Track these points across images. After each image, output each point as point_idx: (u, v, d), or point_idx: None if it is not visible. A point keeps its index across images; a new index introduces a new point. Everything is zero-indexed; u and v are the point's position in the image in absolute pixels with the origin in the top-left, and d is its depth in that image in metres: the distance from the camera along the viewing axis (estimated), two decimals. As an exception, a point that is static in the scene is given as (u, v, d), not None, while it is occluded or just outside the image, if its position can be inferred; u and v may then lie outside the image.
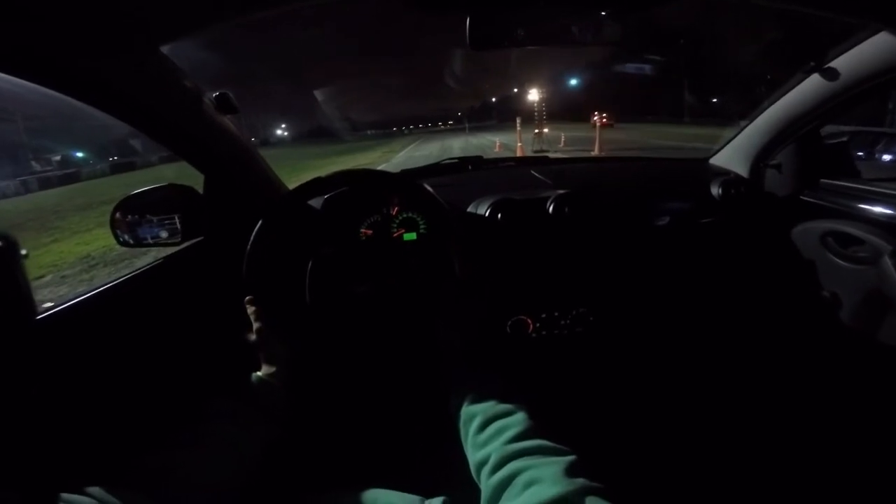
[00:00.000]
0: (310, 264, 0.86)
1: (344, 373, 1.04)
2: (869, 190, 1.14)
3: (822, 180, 1.24)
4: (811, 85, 1.08)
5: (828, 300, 1.19)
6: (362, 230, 1.02)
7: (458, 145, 23.37)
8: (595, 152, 11.72)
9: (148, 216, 0.96)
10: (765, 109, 1.22)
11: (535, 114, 19.59)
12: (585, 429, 0.73)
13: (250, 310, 0.74)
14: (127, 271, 0.89)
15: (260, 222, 0.85)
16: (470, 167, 1.42)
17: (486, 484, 0.50)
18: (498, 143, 19.52)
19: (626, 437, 1.13)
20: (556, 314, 1.11)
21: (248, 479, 0.58)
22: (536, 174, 1.33)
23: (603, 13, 0.84)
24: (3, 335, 0.58)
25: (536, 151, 13.43)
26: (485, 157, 1.51)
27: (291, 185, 1.20)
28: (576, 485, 0.44)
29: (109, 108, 0.73)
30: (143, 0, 0.57)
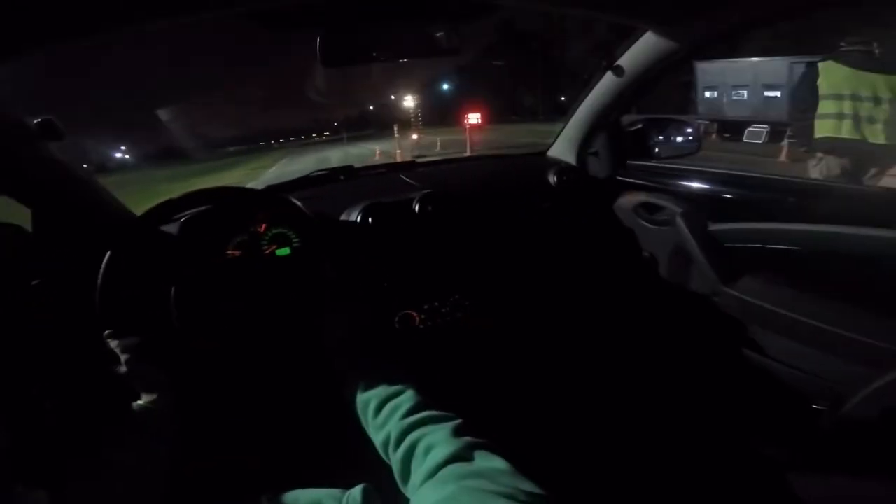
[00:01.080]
0: (173, 290, 0.83)
1: (234, 388, 1.01)
2: (662, 167, 1.45)
3: (628, 162, 1.52)
4: (607, 81, 1.30)
5: (647, 259, 1.45)
6: (229, 251, 0.98)
7: (336, 157, 22.52)
8: (467, 152, 12.42)
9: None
10: (580, 104, 1.45)
11: (412, 120, 20.05)
12: (470, 399, 0.81)
13: (113, 343, 0.70)
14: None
15: (108, 254, 0.79)
16: (342, 177, 1.44)
17: (394, 459, 0.56)
18: (378, 152, 19.40)
19: (504, 402, 1.25)
20: (437, 304, 1.18)
21: (158, 501, 0.58)
22: (405, 178, 1.40)
23: (442, 25, 0.95)
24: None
25: (416, 157, 13.70)
26: (356, 166, 1.55)
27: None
28: (464, 442, 0.51)
29: None
30: None
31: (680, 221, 1.27)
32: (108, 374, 0.69)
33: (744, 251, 1.18)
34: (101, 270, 0.77)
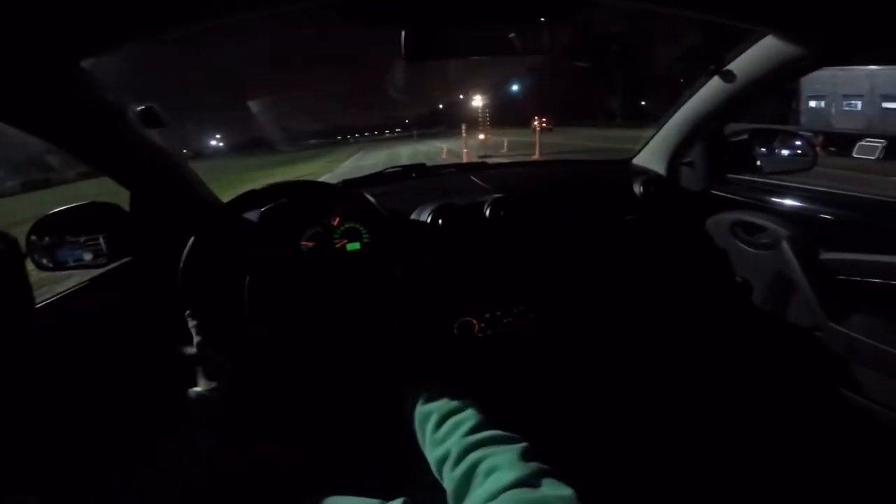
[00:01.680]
0: (247, 278, 0.85)
1: (291, 382, 1.02)
2: (768, 182, 1.28)
3: (728, 175, 1.37)
4: (712, 87, 1.18)
5: (740, 285, 1.30)
6: (303, 242, 1.01)
7: (405, 153, 23.34)
8: (535, 155, 12.18)
9: (69, 237, 0.89)
10: (676, 111, 1.33)
11: (480, 120, 20.04)
12: (532, 418, 0.76)
13: (191, 324, 0.73)
14: (47, 295, 0.83)
15: (192, 238, 0.82)
16: (413, 175, 1.44)
17: (450, 478, 0.53)
18: (445, 150, 19.72)
19: (569, 424, 1.18)
20: (499, 313, 1.14)
21: (198, 494, 0.58)
22: (476, 179, 1.37)
23: (534, 23, 0.90)
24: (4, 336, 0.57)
25: (481, 157, 13.75)
26: (428, 164, 1.54)
27: (227, 200, 1.17)
28: (531, 468, 0.47)
29: (25, 126, 0.68)
30: (63, 14, 0.54)
31: (786, 246, 1.13)
32: (177, 356, 0.71)
33: (855, 284, 1.04)
34: (185, 253, 0.80)
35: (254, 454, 0.91)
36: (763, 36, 0.97)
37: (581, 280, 1.26)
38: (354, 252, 1.03)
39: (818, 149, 1.37)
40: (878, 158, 8.30)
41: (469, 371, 0.86)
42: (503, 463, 0.49)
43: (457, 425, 0.57)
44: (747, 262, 1.28)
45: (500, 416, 0.59)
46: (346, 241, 1.03)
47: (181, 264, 0.79)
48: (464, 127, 16.18)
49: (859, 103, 9.04)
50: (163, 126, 0.93)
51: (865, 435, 1.02)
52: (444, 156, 17.78)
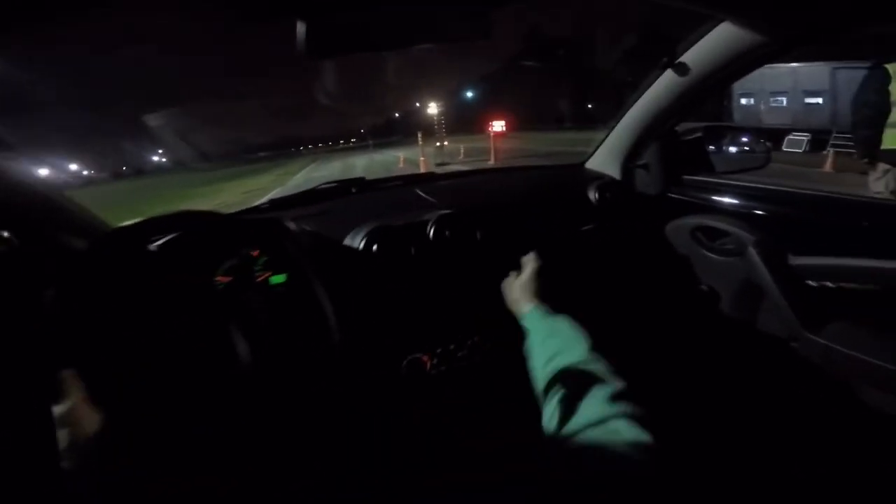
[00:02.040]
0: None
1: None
2: (725, 183, 1.22)
3: (684, 177, 1.30)
4: (665, 81, 1.11)
5: (706, 294, 1.23)
6: (218, 277, 0.84)
7: (361, 163, 23.03)
8: (492, 161, 12.28)
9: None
10: (627, 110, 1.25)
11: (436, 127, 20.11)
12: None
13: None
14: None
15: (55, 288, 0.66)
16: (354, 190, 1.29)
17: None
18: (402, 159, 19.66)
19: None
20: (453, 346, 1.02)
21: None
22: (422, 193, 1.24)
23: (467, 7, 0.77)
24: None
25: (439, 164, 13.75)
26: (368, 178, 1.39)
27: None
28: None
29: None
30: None
31: (753, 252, 1.07)
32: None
33: (827, 290, 1.00)
34: (52, 304, 0.65)
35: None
36: (718, 23, 0.90)
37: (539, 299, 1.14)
38: (279, 285, 0.87)
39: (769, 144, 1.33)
40: (804, 151, 8.89)
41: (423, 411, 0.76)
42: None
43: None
44: (712, 270, 1.21)
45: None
46: (269, 273, 0.87)
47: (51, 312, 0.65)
48: (420, 135, 16.16)
49: (784, 99, 9.52)
50: (9, 149, 0.78)
51: (851, 446, 0.99)
52: (400, 165, 17.71)
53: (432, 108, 21.69)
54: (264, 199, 1.21)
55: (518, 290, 0.91)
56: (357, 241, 0.99)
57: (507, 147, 16.04)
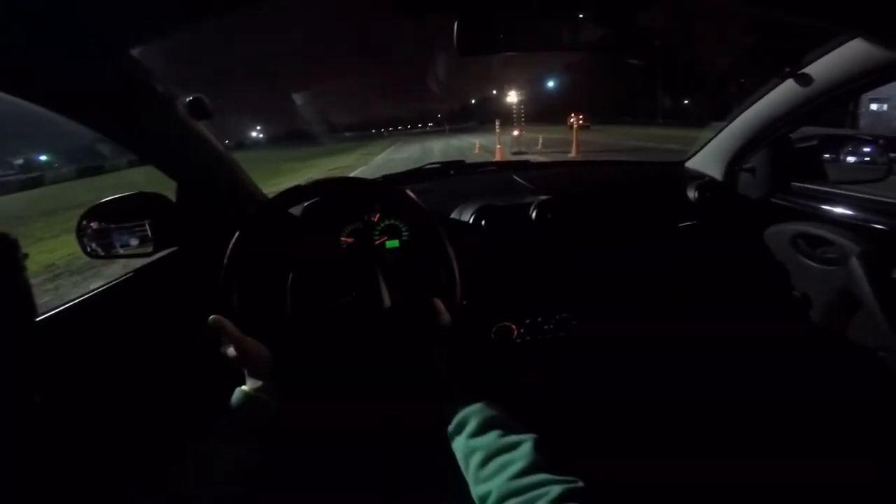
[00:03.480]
0: (290, 276, 0.84)
1: (329, 384, 1.02)
2: (836, 193, 1.19)
3: (792, 183, 1.27)
4: (785, 90, 1.09)
5: (798, 301, 1.22)
6: (343, 238, 1.00)
7: (438, 147, 23.41)
8: (572, 154, 11.90)
9: (116, 225, 0.91)
10: (740, 114, 1.24)
11: (514, 116, 19.80)
12: (587, 450, 0.71)
13: (226, 324, 0.70)
14: (96, 282, 0.85)
15: (237, 233, 0.82)
16: (452, 172, 1.41)
17: None
18: (478, 145, 19.65)
19: (607, 442, 1.12)
20: (540, 320, 1.10)
21: (238, 493, 0.57)
22: (518, 179, 1.33)
23: (583, 17, 0.84)
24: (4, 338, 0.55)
25: (515, 153, 13.56)
26: (467, 161, 1.51)
27: (268, 189, 1.17)
28: None
29: (78, 116, 0.69)
30: (113, 3, 0.54)
31: (855, 263, 1.05)
32: (218, 354, 0.70)
33: None
34: (229, 249, 0.80)
35: (295, 455, 0.90)
36: (850, 38, 0.88)
37: (630, 289, 1.20)
38: (393, 249, 1.01)
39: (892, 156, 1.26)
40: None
41: (503, 377, 0.82)
42: None
43: (504, 466, 0.54)
44: (808, 277, 1.20)
45: (553, 453, 0.56)
46: (385, 238, 1.01)
47: (225, 259, 0.79)
48: (497, 122, 16.02)
49: (924, 107, 8.37)
50: (210, 118, 0.93)
51: None
52: (476, 151, 17.71)
53: (512, 97, 21.30)
54: (371, 174, 1.34)
55: (450, 369, 0.72)
56: (465, 216, 1.10)
57: (588, 139, 15.42)
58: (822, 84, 1.01)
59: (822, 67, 0.99)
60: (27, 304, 0.54)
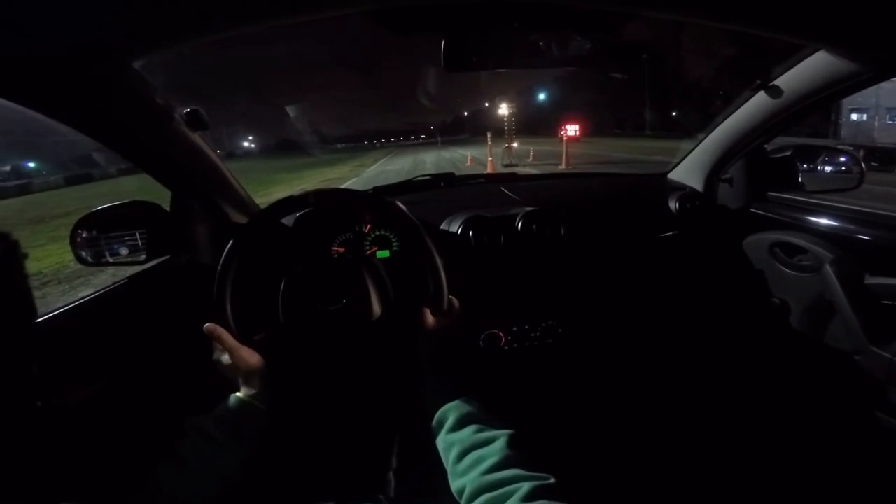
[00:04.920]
0: (282, 284, 0.85)
1: (320, 390, 1.02)
2: (811, 202, 1.23)
3: (769, 193, 1.32)
4: (757, 102, 1.14)
5: (777, 307, 1.25)
6: (334, 248, 1.02)
7: (430, 159, 23.55)
8: (562, 166, 12.05)
9: (110, 233, 0.92)
10: (717, 126, 1.29)
11: (506, 128, 20.05)
12: (565, 448, 0.73)
13: (220, 331, 0.71)
14: (85, 291, 0.86)
15: (231, 242, 0.84)
16: (442, 184, 1.43)
17: None
18: (469, 158, 19.82)
19: (592, 444, 1.16)
20: (527, 327, 1.13)
21: (225, 498, 0.57)
22: (506, 191, 1.36)
23: (571, 32, 0.88)
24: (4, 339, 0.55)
25: (506, 165, 13.70)
26: (457, 174, 1.53)
27: (259, 199, 1.19)
28: None
29: (77, 124, 0.71)
30: (116, 16, 0.55)
31: (829, 270, 1.09)
32: (211, 363, 0.71)
33: None
34: (223, 257, 0.81)
35: (285, 461, 0.89)
36: (815, 51, 0.92)
37: (614, 296, 1.23)
38: (384, 259, 1.03)
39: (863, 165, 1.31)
40: (924, 175, 7.88)
41: (491, 384, 0.84)
42: None
43: (478, 461, 0.54)
44: (786, 284, 1.24)
45: (528, 449, 0.57)
46: (376, 248, 1.03)
47: (219, 267, 0.80)
48: (489, 135, 16.21)
49: (904, 117, 8.62)
50: (206, 129, 0.94)
51: None
52: (468, 163, 17.84)
53: (503, 109, 21.60)
54: (363, 186, 1.38)
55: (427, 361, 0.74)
56: (454, 227, 1.12)
57: (578, 152, 15.62)
58: (791, 96, 1.05)
59: (790, 79, 1.03)
60: (27, 304, 0.55)
